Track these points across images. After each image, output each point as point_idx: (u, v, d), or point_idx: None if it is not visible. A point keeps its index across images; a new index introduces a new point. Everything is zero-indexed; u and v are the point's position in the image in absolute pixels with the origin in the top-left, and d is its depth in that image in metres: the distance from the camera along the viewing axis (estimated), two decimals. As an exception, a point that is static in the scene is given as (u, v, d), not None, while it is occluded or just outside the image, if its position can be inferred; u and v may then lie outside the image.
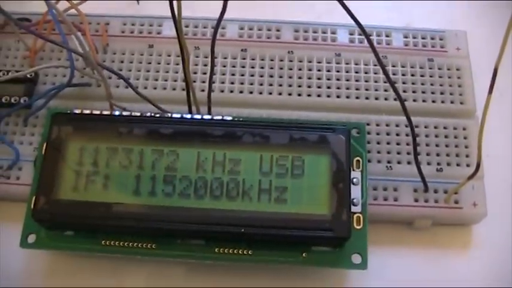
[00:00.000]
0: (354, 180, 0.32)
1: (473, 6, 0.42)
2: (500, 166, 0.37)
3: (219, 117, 0.32)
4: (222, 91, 0.36)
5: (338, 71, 0.37)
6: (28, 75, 0.36)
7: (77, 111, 0.33)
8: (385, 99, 0.36)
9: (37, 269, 0.34)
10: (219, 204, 0.31)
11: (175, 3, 0.28)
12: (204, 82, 0.36)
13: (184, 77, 0.32)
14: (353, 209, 0.31)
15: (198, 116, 0.33)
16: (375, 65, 0.36)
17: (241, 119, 0.32)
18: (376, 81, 0.36)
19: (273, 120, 0.33)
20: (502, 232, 0.35)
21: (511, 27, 0.27)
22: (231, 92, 0.36)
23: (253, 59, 0.37)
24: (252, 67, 0.37)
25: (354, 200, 0.31)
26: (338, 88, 0.36)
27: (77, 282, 0.33)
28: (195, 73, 0.37)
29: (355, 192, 0.31)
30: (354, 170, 0.32)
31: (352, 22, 0.29)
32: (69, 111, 0.33)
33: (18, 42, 0.38)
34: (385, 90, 0.36)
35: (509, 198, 0.36)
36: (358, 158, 0.32)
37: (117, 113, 0.33)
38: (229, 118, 0.32)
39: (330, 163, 0.31)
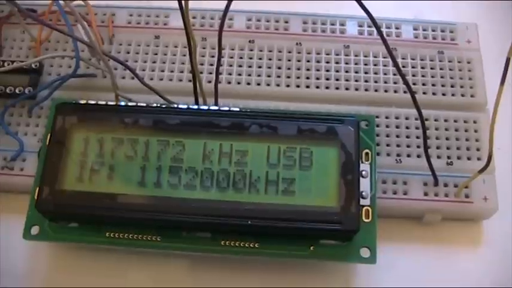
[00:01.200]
0: (363, 172, 0.31)
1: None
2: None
3: (226, 108, 0.32)
4: (229, 82, 0.36)
5: (347, 63, 0.36)
6: (33, 66, 0.36)
7: (82, 101, 0.32)
8: (395, 91, 0.35)
9: (40, 261, 0.33)
10: (225, 196, 0.30)
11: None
12: (211, 73, 0.35)
13: (191, 68, 0.31)
14: (362, 202, 0.30)
15: (205, 107, 0.32)
16: (385, 57, 0.36)
17: (248, 110, 0.32)
18: (385, 74, 0.36)
19: (281, 111, 0.33)
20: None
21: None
22: (238, 83, 0.36)
23: (261, 51, 0.37)
24: (260, 59, 0.36)
25: (363, 193, 0.31)
26: (347, 80, 0.36)
27: (81, 275, 0.33)
28: (202, 64, 0.36)
29: (364, 185, 0.31)
30: (362, 162, 0.31)
31: (362, 14, 0.28)
32: (73, 102, 0.32)
33: (24, 32, 0.37)
34: (395, 83, 0.35)
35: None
36: (367, 150, 0.32)
37: (122, 103, 0.33)
38: (237, 109, 0.32)
39: (338, 155, 0.31)
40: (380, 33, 0.29)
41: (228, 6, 0.29)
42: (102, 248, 0.32)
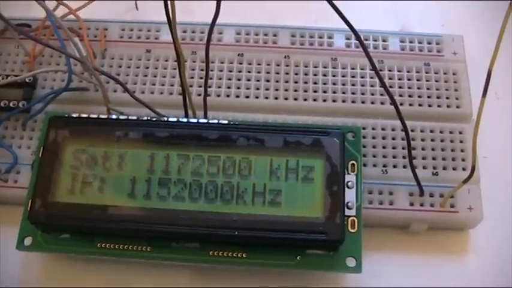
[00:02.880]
0: (349, 183, 0.32)
1: (469, 8, 0.42)
2: (498, 169, 0.36)
3: (215, 121, 0.33)
4: (219, 95, 0.36)
5: (334, 76, 0.37)
6: (27, 80, 0.36)
7: (74, 115, 0.33)
8: (381, 103, 0.36)
9: (33, 271, 0.34)
10: (213, 207, 0.31)
11: (170, 7, 0.28)
12: (200, 86, 0.36)
13: (181, 81, 0.32)
14: (348, 212, 0.31)
15: (194, 120, 0.33)
16: (371, 70, 0.36)
17: (236, 123, 0.33)
18: (372, 86, 0.36)
19: (268, 124, 0.34)
20: (499, 237, 0.35)
21: (504, 31, 0.27)
22: (228, 96, 0.36)
23: (249, 64, 0.37)
24: (249, 72, 0.37)
25: (349, 204, 0.31)
26: (334, 92, 0.36)
27: (74, 285, 0.34)
28: (192, 78, 0.37)
29: (350, 195, 0.31)
30: (348, 173, 0.32)
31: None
32: (66, 115, 0.33)
33: (18, 47, 0.38)
34: (381, 95, 0.36)
35: (507, 202, 0.36)
36: (353, 161, 0.32)
37: (114, 117, 0.33)
38: (225, 122, 0.33)
39: (324, 166, 0.31)
40: (362, 44, 0.30)
41: (214, 20, 0.29)
42: (95, 259, 0.33)
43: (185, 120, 0.33)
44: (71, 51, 0.33)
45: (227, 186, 0.31)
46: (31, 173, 0.33)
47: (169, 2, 0.27)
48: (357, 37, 0.29)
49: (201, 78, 0.37)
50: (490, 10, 0.41)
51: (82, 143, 0.32)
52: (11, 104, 0.36)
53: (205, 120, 0.33)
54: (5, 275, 0.34)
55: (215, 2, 0.28)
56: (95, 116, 0.33)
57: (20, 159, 0.35)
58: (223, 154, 0.32)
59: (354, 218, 0.31)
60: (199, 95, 0.36)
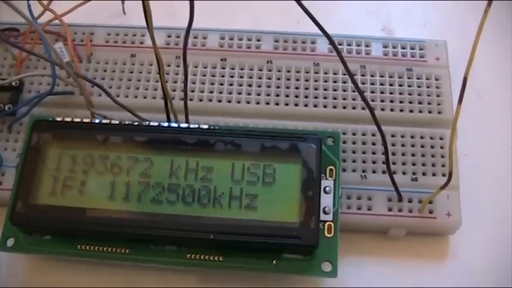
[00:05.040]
0: (327, 188, 0.32)
1: (452, 11, 0.43)
2: (479, 174, 0.37)
3: (195, 126, 0.33)
4: (201, 100, 0.37)
5: (316, 81, 0.37)
6: (13, 83, 0.37)
7: (58, 118, 0.34)
8: (362, 108, 0.36)
9: (16, 271, 0.35)
10: (190, 210, 0.31)
11: (146, 10, 0.28)
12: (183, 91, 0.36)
13: (161, 86, 0.32)
14: (324, 217, 0.31)
15: (175, 125, 0.33)
16: (354, 75, 0.37)
17: (215, 128, 0.33)
18: (353, 91, 0.36)
19: (245, 128, 0.34)
20: (478, 242, 0.35)
21: (479, 38, 0.27)
22: (210, 100, 0.37)
23: (232, 69, 0.38)
24: (231, 76, 0.37)
25: (326, 209, 0.31)
26: (315, 97, 0.37)
27: (56, 285, 0.34)
28: (175, 82, 0.37)
29: (327, 200, 0.32)
30: (326, 178, 0.32)
31: (333, 31, 0.30)
32: (49, 119, 0.34)
33: (6, 51, 0.39)
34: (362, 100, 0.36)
35: (487, 208, 0.36)
36: (331, 166, 0.33)
37: (96, 121, 0.34)
38: (205, 127, 0.33)
39: (300, 171, 0.32)
40: (336, 48, 0.30)
41: (189, 25, 0.29)
42: (76, 260, 0.33)
43: (166, 124, 0.33)
44: (57, 55, 0.33)
45: (204, 190, 0.31)
46: (15, 175, 0.34)
47: (146, 4, 0.28)
48: (331, 42, 0.30)
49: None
50: (472, 14, 0.41)
51: (64, 147, 0.33)
52: (-3, 107, 0.37)
53: (185, 125, 0.33)
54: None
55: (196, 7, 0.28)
56: (78, 120, 0.33)
57: (5, 161, 0.36)
58: (201, 158, 0.32)
59: (331, 223, 0.31)
60: (182, 99, 0.36)
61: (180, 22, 0.38)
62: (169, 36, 0.39)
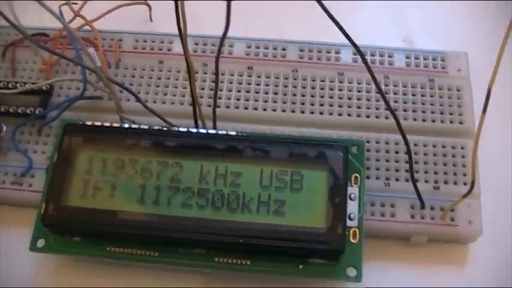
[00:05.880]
0: (352, 195, 0.33)
1: (474, 23, 0.43)
2: (499, 183, 0.37)
3: (223, 132, 0.34)
4: (228, 107, 0.38)
5: (340, 90, 0.38)
6: (43, 88, 0.38)
7: (88, 123, 0.34)
8: (386, 117, 0.37)
9: (45, 272, 0.35)
10: (219, 215, 0.32)
11: (182, 22, 0.29)
12: (211, 98, 0.37)
13: (191, 94, 0.33)
14: (349, 223, 0.32)
15: (203, 130, 0.34)
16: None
17: (243, 134, 0.34)
18: (377, 100, 0.37)
19: (274, 135, 0.35)
20: (499, 250, 0.35)
21: (503, 51, 0.28)
22: (237, 108, 0.38)
23: (258, 77, 0.38)
24: (258, 84, 0.38)
25: (351, 215, 0.32)
26: (340, 106, 0.37)
27: (84, 286, 0.35)
28: (203, 89, 0.38)
29: (352, 207, 0.32)
30: (351, 185, 0.33)
31: (357, 42, 0.30)
32: (80, 123, 0.35)
33: (36, 55, 0.40)
34: (386, 109, 0.37)
35: (507, 217, 0.36)
36: (356, 174, 0.33)
37: (126, 125, 0.34)
38: (233, 133, 0.34)
39: (327, 178, 0.32)
40: (364, 60, 0.30)
41: (224, 34, 0.30)
42: (105, 261, 0.34)
43: (194, 130, 0.34)
44: (86, 60, 0.34)
45: (233, 195, 0.32)
46: (45, 177, 0.35)
47: (180, 16, 0.29)
48: (361, 55, 0.30)
49: (211, 89, 0.38)
50: (492, 23, 0.42)
51: (95, 150, 0.33)
52: (27, 111, 0.37)
53: (213, 131, 0.34)
54: (18, 275, 0.35)
55: (225, 16, 0.29)
56: (108, 124, 0.34)
57: (34, 163, 0.36)
58: (230, 164, 0.33)
59: (356, 229, 0.32)
60: (209, 105, 0.36)
61: (205, 30, 0.40)
62: (196, 44, 0.39)
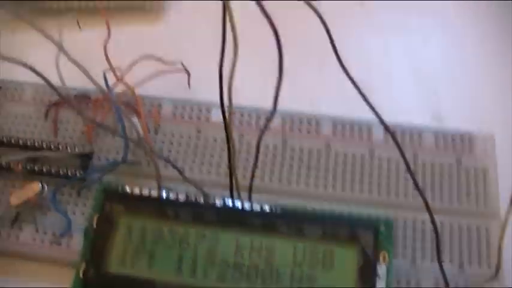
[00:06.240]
0: (380, 273, 0.34)
1: (499, 101, 0.44)
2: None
3: (258, 207, 0.35)
4: (262, 179, 0.39)
5: (371, 168, 0.39)
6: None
7: (128, 189, 0.36)
8: (413, 197, 0.38)
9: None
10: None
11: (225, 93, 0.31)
12: (245, 169, 0.39)
13: (229, 165, 0.35)
14: (378, 301, 0.33)
15: (239, 204, 0.36)
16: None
17: (278, 210, 0.35)
18: (406, 180, 0.39)
19: (307, 212, 0.36)
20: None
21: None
22: (270, 180, 0.39)
23: (292, 151, 0.40)
24: (291, 158, 0.40)
25: (379, 293, 0.34)
26: (370, 183, 0.39)
27: None
28: (237, 160, 0.39)
29: (380, 285, 0.34)
30: (379, 264, 0.34)
31: (388, 119, 0.32)
32: (120, 188, 0.36)
33: (77, 115, 0.41)
34: (414, 189, 0.38)
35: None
36: (384, 252, 0.35)
37: (164, 194, 0.36)
38: (267, 208, 0.35)
39: (358, 257, 0.34)
40: (395, 141, 0.32)
41: (270, 118, 0.32)
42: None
43: (231, 204, 0.36)
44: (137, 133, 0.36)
45: (267, 270, 0.34)
46: (83, 238, 0.36)
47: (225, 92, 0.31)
48: (392, 137, 0.32)
49: (247, 160, 0.39)
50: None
51: (135, 218, 0.35)
52: (68, 172, 0.39)
53: (249, 206, 0.35)
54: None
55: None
56: (147, 193, 0.36)
57: (73, 224, 0.38)
58: (265, 239, 0.34)
59: (384, 307, 0.34)
60: (244, 176, 0.38)
61: (241, 99, 0.41)
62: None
